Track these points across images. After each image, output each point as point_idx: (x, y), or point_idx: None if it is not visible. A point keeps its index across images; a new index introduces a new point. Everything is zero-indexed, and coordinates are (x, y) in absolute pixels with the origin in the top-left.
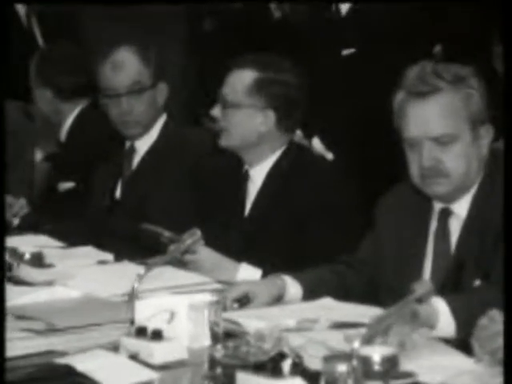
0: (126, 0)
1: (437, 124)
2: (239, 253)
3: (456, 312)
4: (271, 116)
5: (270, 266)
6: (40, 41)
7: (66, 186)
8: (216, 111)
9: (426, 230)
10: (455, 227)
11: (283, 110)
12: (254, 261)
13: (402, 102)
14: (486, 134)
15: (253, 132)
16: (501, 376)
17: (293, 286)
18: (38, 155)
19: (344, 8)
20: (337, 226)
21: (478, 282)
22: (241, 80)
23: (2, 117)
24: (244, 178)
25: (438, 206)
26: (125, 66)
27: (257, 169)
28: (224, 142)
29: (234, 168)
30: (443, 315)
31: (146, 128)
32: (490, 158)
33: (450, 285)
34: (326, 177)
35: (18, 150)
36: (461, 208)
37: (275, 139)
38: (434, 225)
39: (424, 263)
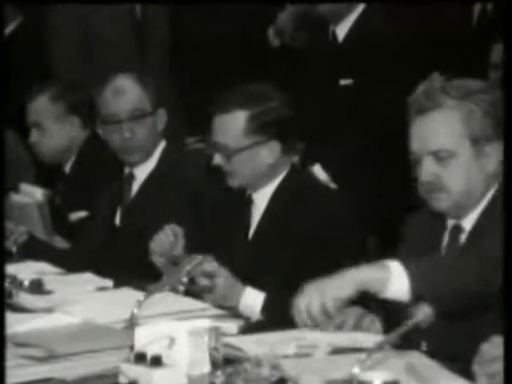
0: None
1: (434, 139)
2: (243, 277)
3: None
4: (276, 145)
5: (274, 290)
6: None
7: (79, 215)
8: (218, 159)
9: (439, 246)
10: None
11: (283, 135)
12: (258, 285)
13: (409, 117)
14: (494, 151)
15: (261, 166)
16: None
17: None
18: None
19: (341, 34)
20: (340, 248)
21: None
22: (233, 124)
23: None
24: (247, 202)
25: (450, 222)
26: (126, 92)
27: (260, 193)
28: (235, 182)
29: (236, 192)
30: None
31: (147, 154)
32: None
33: None
34: (329, 199)
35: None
36: (469, 224)
37: (279, 164)
38: (445, 240)
39: None
